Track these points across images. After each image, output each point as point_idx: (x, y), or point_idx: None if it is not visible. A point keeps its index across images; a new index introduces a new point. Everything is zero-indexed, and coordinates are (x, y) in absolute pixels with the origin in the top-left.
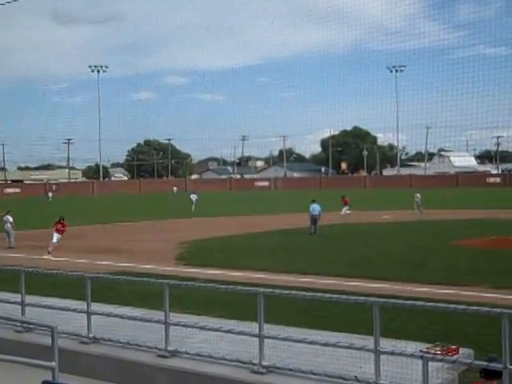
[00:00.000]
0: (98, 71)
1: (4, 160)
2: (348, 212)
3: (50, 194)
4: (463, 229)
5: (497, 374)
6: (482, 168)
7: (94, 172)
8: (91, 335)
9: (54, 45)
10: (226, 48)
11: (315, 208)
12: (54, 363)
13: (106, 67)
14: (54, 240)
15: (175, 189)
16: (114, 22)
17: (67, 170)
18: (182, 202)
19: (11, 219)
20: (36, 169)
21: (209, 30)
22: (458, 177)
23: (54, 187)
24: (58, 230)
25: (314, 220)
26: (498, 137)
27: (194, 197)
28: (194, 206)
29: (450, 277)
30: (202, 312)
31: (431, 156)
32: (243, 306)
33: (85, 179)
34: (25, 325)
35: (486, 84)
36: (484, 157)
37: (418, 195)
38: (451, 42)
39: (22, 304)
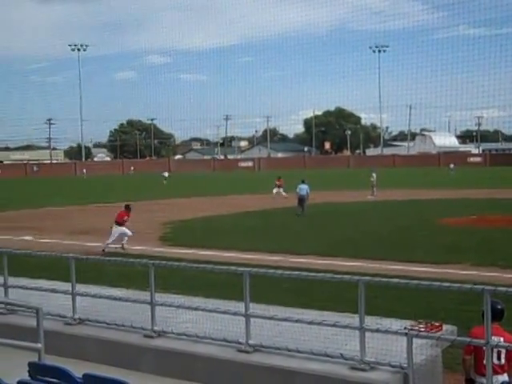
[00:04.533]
0: (79, 50)
1: None
2: (284, 194)
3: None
4: (446, 208)
5: (497, 317)
6: (463, 147)
7: (77, 152)
8: (76, 316)
9: (34, 24)
10: (209, 27)
11: (302, 188)
12: (39, 345)
13: (87, 46)
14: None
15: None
16: (94, 0)
17: (48, 150)
18: (158, 182)
19: None
20: (16, 149)
21: (192, 9)
22: (439, 156)
23: (35, 168)
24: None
25: (302, 200)
26: (479, 117)
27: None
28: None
29: (433, 255)
30: (187, 292)
31: (414, 136)
32: (229, 286)
33: (67, 160)
34: (9, 306)
35: (468, 65)
36: (465, 136)
37: (374, 175)
38: (433, 23)
39: (5, 286)
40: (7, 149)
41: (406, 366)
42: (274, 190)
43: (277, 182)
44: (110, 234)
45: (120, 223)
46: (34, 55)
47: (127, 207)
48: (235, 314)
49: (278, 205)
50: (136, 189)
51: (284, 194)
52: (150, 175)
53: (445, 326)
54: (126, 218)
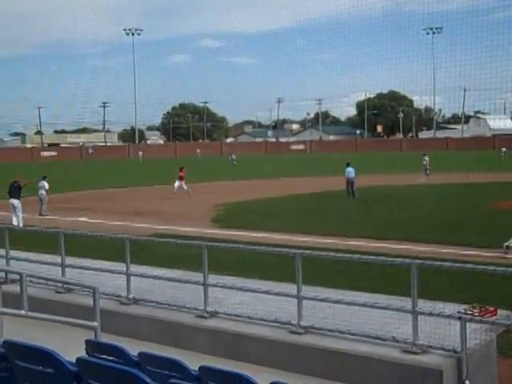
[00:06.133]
0: (133, 34)
1: (40, 123)
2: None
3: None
4: (499, 191)
5: None
6: None
7: (130, 135)
8: (131, 296)
9: (89, 8)
10: (262, 10)
11: (350, 171)
12: (96, 323)
13: (141, 30)
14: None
15: (198, 151)
16: None
17: (103, 133)
18: (212, 165)
19: (47, 186)
20: (72, 132)
21: None
22: (494, 139)
23: (90, 150)
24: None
25: (351, 183)
26: None
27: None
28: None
29: (486, 238)
30: (239, 274)
31: (468, 118)
32: (280, 268)
33: (121, 142)
34: (65, 286)
35: None
36: None
37: (427, 158)
38: (488, 2)
39: (62, 265)
40: (64, 132)
41: (459, 350)
42: (176, 184)
43: (180, 173)
44: None
45: None
46: (89, 39)
47: None
48: (287, 295)
49: (328, 188)
50: (204, 171)
51: (185, 187)
52: (215, 158)
53: (500, 311)
54: None
